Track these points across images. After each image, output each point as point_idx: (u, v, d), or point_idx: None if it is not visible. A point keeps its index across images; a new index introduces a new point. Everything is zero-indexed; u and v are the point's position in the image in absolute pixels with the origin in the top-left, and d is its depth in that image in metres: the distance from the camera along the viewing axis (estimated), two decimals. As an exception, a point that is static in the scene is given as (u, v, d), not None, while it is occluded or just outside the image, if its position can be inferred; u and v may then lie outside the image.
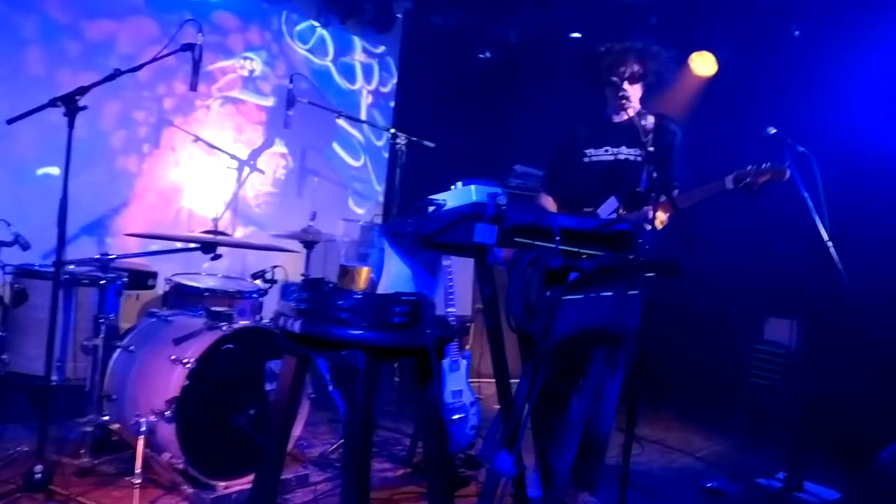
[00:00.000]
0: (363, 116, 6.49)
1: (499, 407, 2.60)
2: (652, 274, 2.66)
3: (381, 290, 2.43)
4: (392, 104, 6.82)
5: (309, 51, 6.13)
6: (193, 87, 3.45)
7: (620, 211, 3.27)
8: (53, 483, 3.05)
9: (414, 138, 4.59)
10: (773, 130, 3.69)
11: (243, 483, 3.26)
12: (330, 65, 6.29)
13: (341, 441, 3.83)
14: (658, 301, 3.07)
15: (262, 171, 5.81)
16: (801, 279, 4.98)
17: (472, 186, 2.40)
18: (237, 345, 3.40)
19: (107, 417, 3.39)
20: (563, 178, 3.70)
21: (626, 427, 2.82)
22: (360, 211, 6.55)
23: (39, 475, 3.00)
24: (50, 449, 3.18)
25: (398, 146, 4.55)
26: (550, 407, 3.33)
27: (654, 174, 3.00)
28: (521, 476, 2.64)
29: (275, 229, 5.14)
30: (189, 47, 3.37)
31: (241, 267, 5.49)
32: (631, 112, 3.34)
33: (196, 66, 3.39)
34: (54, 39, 4.68)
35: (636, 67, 3.47)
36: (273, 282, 4.01)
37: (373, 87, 6.65)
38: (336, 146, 6.38)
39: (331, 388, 3.98)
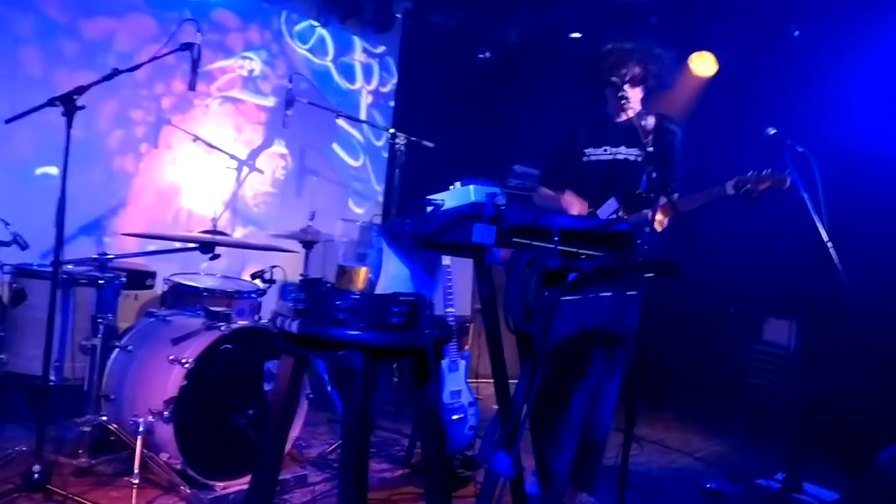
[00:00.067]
0: (363, 116, 6.48)
1: (497, 407, 2.59)
2: (651, 274, 2.66)
3: (379, 290, 2.43)
4: (392, 104, 6.82)
5: (309, 50, 6.12)
6: (192, 87, 3.44)
7: (620, 213, 3.27)
8: (51, 483, 3.04)
9: (413, 138, 4.59)
10: (773, 131, 3.69)
11: (241, 483, 3.26)
12: (330, 64, 6.28)
13: (340, 441, 3.82)
14: (657, 301, 3.06)
15: (261, 171, 5.80)
16: (800, 280, 4.98)
17: (471, 186, 2.40)
18: (236, 345, 3.40)
19: (105, 417, 3.38)
20: (561, 175, 3.69)
21: (625, 427, 2.82)
22: (359, 211, 6.55)
23: (37, 475, 3.00)
24: (48, 449, 3.17)
25: (397, 146, 4.54)
26: (550, 407, 3.33)
27: (654, 175, 3.00)
28: (520, 477, 2.64)
29: (274, 229, 5.14)
30: (188, 47, 3.36)
31: (240, 267, 5.49)
32: (631, 113, 3.34)
33: (195, 65, 3.38)
34: (51, 37, 4.66)
35: (637, 70, 3.47)
36: (272, 282, 4.00)
37: (372, 87, 6.64)
38: (335, 146, 6.38)
39: (329, 388, 3.97)
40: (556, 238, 2.33)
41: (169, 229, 5.18)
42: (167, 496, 3.22)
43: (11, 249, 3.53)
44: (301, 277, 3.77)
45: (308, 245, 4.41)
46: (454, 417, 3.83)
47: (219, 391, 3.33)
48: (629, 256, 2.56)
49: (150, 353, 3.41)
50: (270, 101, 5.82)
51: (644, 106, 3.57)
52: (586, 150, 3.60)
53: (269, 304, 4.26)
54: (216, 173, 5.52)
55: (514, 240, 2.37)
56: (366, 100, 6.59)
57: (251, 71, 5.73)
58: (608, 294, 2.77)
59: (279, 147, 5.94)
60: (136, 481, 3.08)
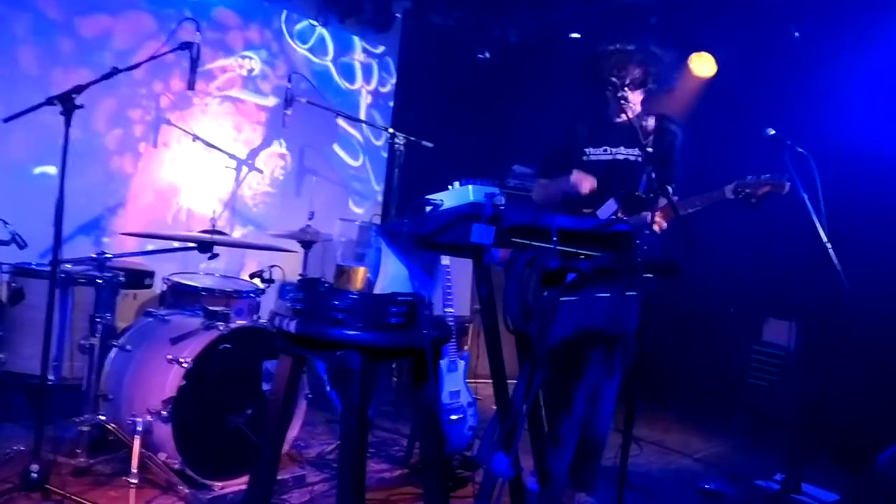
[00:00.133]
0: (362, 116, 6.47)
1: (496, 408, 2.59)
2: (650, 275, 2.65)
3: (377, 290, 2.43)
4: (391, 104, 6.81)
5: (308, 50, 6.12)
6: (191, 86, 3.44)
7: (619, 214, 3.26)
8: (50, 482, 3.03)
9: (412, 138, 4.59)
10: (772, 131, 3.69)
11: (240, 483, 3.25)
12: (330, 64, 6.27)
13: (338, 442, 3.82)
14: (657, 302, 3.06)
15: (260, 171, 5.80)
16: (800, 280, 4.99)
17: (470, 186, 2.39)
18: (234, 344, 3.40)
19: (103, 417, 3.38)
20: (559, 172, 3.68)
21: (624, 428, 2.81)
22: (358, 211, 6.54)
23: (36, 474, 2.99)
24: (46, 448, 3.16)
25: (397, 146, 4.54)
26: (558, 409, 3.34)
27: (653, 175, 3.00)
28: (519, 477, 2.63)
29: (273, 229, 5.13)
30: (187, 46, 3.36)
31: (239, 267, 5.49)
32: (631, 113, 3.34)
33: (194, 64, 3.38)
34: (47, 35, 4.64)
35: (637, 73, 3.46)
36: (271, 281, 4.00)
37: (372, 86, 6.63)
38: (335, 146, 6.37)
39: (328, 388, 3.98)
40: (555, 238, 2.32)
41: (168, 229, 5.17)
42: (165, 496, 3.21)
43: (10, 248, 3.53)
44: (300, 277, 3.77)
45: (307, 245, 4.41)
46: (453, 418, 3.82)
47: (217, 391, 3.33)
48: (628, 257, 2.55)
49: (149, 352, 3.40)
50: (270, 101, 5.82)
51: (644, 106, 3.57)
52: (586, 150, 3.60)
53: (268, 303, 4.25)
54: (215, 173, 5.51)
55: (513, 240, 2.37)
56: (365, 100, 6.59)
57: (251, 70, 5.72)
58: (607, 294, 2.77)
59: (278, 147, 5.94)
60: (135, 481, 3.08)
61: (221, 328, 3.38)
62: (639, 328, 3.13)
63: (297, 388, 2.85)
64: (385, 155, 6.63)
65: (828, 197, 3.64)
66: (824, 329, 4.92)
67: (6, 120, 3.06)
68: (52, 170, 4.62)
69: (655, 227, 3.10)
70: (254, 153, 5.79)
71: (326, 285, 2.36)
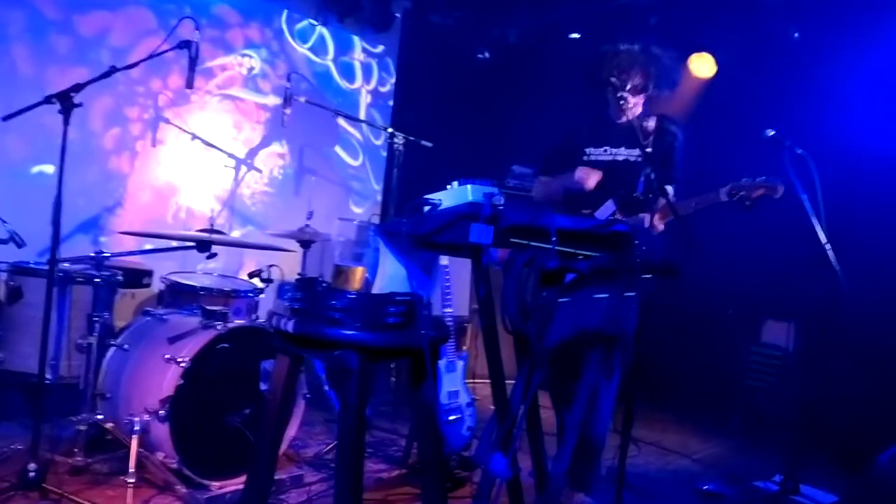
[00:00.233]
0: (362, 116, 6.47)
1: (494, 408, 2.59)
2: (649, 276, 2.65)
3: (376, 290, 2.43)
4: (390, 104, 6.81)
5: (309, 50, 6.11)
6: (189, 85, 3.44)
7: (617, 215, 3.26)
8: (47, 481, 3.04)
9: (412, 138, 4.59)
10: (772, 132, 3.68)
11: (237, 483, 3.24)
12: (330, 64, 6.27)
13: (336, 441, 3.81)
14: (656, 303, 3.06)
15: (259, 170, 5.80)
16: (798, 282, 4.98)
17: (469, 186, 2.39)
18: (232, 344, 3.39)
19: (101, 416, 3.38)
20: (559, 170, 3.69)
21: (622, 428, 2.81)
22: (358, 210, 6.54)
23: (33, 473, 2.99)
24: (44, 447, 3.16)
25: (396, 146, 4.54)
26: (561, 409, 3.34)
27: (652, 175, 2.99)
28: (517, 478, 2.63)
29: (272, 228, 5.12)
30: (186, 44, 3.36)
31: (238, 266, 5.48)
32: (631, 115, 3.33)
33: (193, 63, 3.38)
34: (43, 32, 4.62)
35: (638, 79, 3.46)
36: (269, 281, 3.99)
37: (371, 86, 6.63)
38: (335, 145, 6.37)
39: (326, 387, 3.97)
40: (554, 238, 2.32)
41: (167, 228, 5.17)
42: (163, 495, 3.21)
43: (8, 247, 3.52)
44: (298, 277, 3.76)
45: (306, 244, 4.41)
46: (451, 418, 3.82)
47: (215, 390, 3.32)
48: (627, 257, 2.55)
49: (147, 351, 3.40)
50: (270, 100, 5.81)
51: (645, 107, 3.57)
52: (587, 150, 3.60)
53: (267, 303, 4.24)
54: (214, 172, 5.51)
55: (512, 240, 2.36)
56: (365, 99, 6.58)
57: (251, 69, 5.72)
58: (605, 295, 2.77)
59: (278, 146, 5.93)
60: (132, 480, 3.07)
61: (219, 328, 3.37)
62: (637, 329, 3.13)
63: (295, 387, 2.86)
64: (384, 154, 6.63)
65: (827, 198, 3.63)
66: (823, 330, 4.91)
67: (5, 118, 3.06)
68: (49, 169, 4.61)
69: (652, 229, 3.10)
70: (253, 152, 5.79)
71: (324, 285, 2.35)
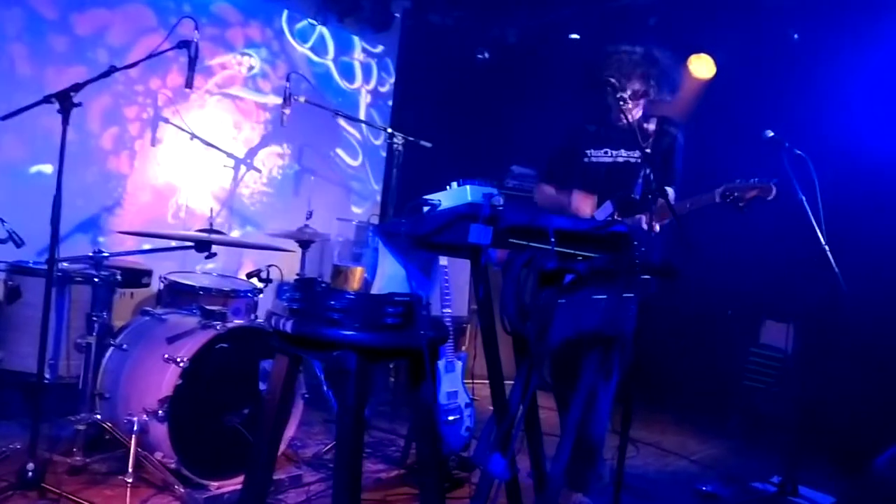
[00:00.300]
0: (362, 116, 6.47)
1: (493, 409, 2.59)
2: (648, 277, 2.65)
3: (375, 290, 2.43)
4: (390, 104, 6.81)
5: (309, 49, 6.11)
6: (189, 85, 3.44)
7: (615, 216, 3.26)
8: (45, 481, 3.04)
9: (411, 138, 4.59)
10: (771, 133, 3.69)
11: (236, 483, 3.24)
12: (330, 63, 6.27)
13: (335, 441, 3.81)
14: (655, 304, 3.06)
15: (258, 170, 5.79)
16: (797, 283, 4.99)
17: (468, 187, 2.39)
18: (231, 344, 3.39)
19: (99, 416, 3.37)
20: (563, 174, 3.70)
21: (621, 429, 2.81)
22: (357, 210, 6.54)
23: (32, 473, 3.00)
24: (42, 447, 3.17)
25: (395, 146, 4.54)
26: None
27: (651, 176, 3.00)
28: (515, 480, 2.63)
29: (271, 228, 5.12)
30: (185, 44, 3.36)
31: (237, 266, 5.48)
32: (631, 117, 3.34)
33: (192, 63, 3.38)
34: (42, 29, 4.61)
35: (638, 85, 3.47)
36: (268, 281, 3.99)
37: (371, 86, 6.63)
38: (335, 145, 6.37)
39: (325, 388, 3.97)
40: (553, 239, 2.32)
41: (167, 227, 5.17)
42: (161, 495, 3.21)
43: (7, 247, 3.52)
44: (297, 277, 3.76)
45: (305, 244, 4.41)
46: (450, 418, 3.82)
47: (214, 390, 3.32)
48: (626, 258, 2.55)
49: (145, 351, 3.40)
50: (270, 100, 5.81)
51: (645, 110, 3.58)
52: (588, 152, 3.61)
53: (266, 303, 4.25)
54: (214, 171, 5.51)
55: (511, 240, 2.37)
56: (365, 99, 6.58)
57: (251, 68, 5.71)
58: (604, 296, 2.77)
59: (277, 146, 5.93)
60: (131, 480, 3.08)
61: (218, 327, 3.37)
62: (636, 329, 3.14)
63: (294, 387, 2.85)
64: (384, 155, 6.62)
65: (826, 199, 3.64)
66: (822, 331, 4.92)
67: (3, 118, 3.05)
68: (48, 168, 4.61)
69: (645, 226, 3.10)
70: (252, 152, 5.78)
71: (323, 285, 2.35)
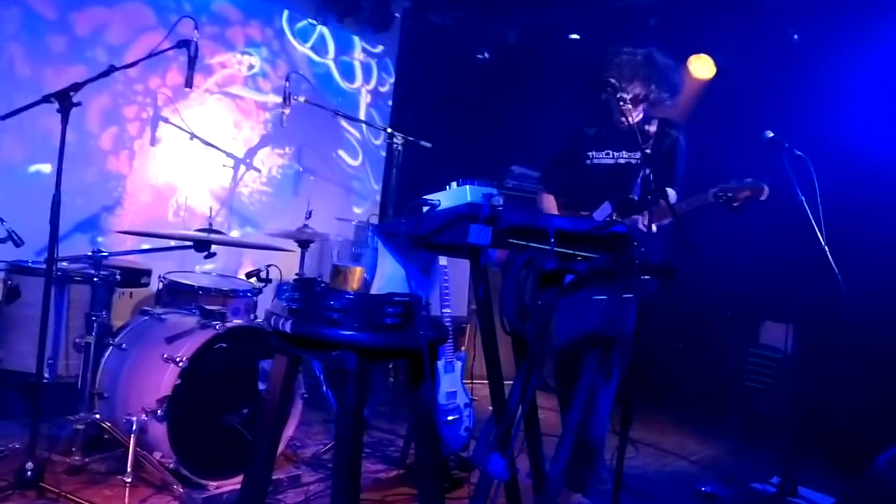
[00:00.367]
0: (362, 116, 6.47)
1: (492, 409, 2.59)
2: (647, 277, 2.65)
3: (374, 290, 2.42)
4: (389, 104, 6.81)
5: (309, 49, 6.11)
6: (189, 84, 3.44)
7: (613, 217, 3.27)
8: (44, 480, 3.04)
9: (411, 138, 4.58)
10: (771, 134, 3.69)
11: (235, 483, 3.24)
12: (331, 63, 6.27)
13: (334, 441, 3.81)
14: (655, 304, 3.06)
15: (258, 170, 5.79)
16: (797, 283, 4.99)
17: (467, 187, 2.39)
18: (230, 344, 3.39)
19: (98, 415, 3.37)
20: (563, 176, 3.71)
21: (620, 429, 2.81)
22: (357, 210, 6.54)
23: (30, 472, 3.00)
24: (41, 446, 3.17)
25: (395, 146, 4.54)
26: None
27: (650, 178, 3.00)
28: (514, 480, 2.63)
29: (270, 228, 5.12)
30: (185, 44, 3.36)
31: (236, 265, 5.48)
32: (632, 119, 3.34)
33: (192, 63, 3.38)
34: (40, 28, 4.60)
35: (639, 89, 3.47)
36: (267, 281, 3.99)
37: (371, 86, 6.63)
38: (335, 145, 6.36)
39: (324, 388, 3.96)
40: (553, 240, 2.32)
41: (168, 227, 5.17)
42: (160, 495, 3.21)
43: (6, 246, 3.52)
44: (296, 277, 3.76)
45: (304, 244, 4.40)
46: (449, 418, 3.82)
47: (213, 390, 3.32)
48: (625, 259, 2.55)
49: (144, 351, 3.39)
50: (270, 99, 5.81)
51: (646, 112, 3.58)
52: (589, 154, 3.62)
53: (265, 303, 4.24)
54: (213, 171, 5.50)
55: (510, 241, 2.36)
56: (365, 99, 6.58)
57: (251, 67, 5.71)
58: (604, 297, 2.77)
59: (277, 145, 5.93)
60: (129, 480, 3.07)
61: (217, 327, 3.37)
62: (636, 330, 3.14)
63: (293, 387, 2.85)
64: (383, 155, 6.62)
65: (826, 199, 3.64)
66: (821, 332, 4.92)
67: (3, 118, 3.05)
68: (46, 168, 4.60)
69: (643, 228, 3.11)
70: (252, 151, 5.78)
71: (323, 285, 2.35)
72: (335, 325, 2.16)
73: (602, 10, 5.99)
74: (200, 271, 4.62)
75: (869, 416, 4.60)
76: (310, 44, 6.10)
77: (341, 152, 6.41)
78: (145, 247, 4.58)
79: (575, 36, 6.48)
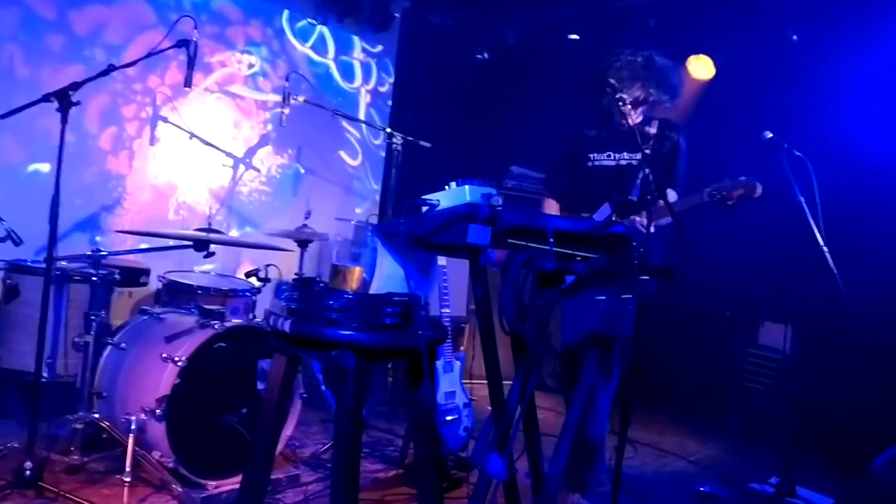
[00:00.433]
0: (361, 116, 6.46)
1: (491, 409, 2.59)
2: (646, 277, 2.65)
3: (373, 290, 2.42)
4: (389, 104, 6.81)
5: (310, 49, 6.10)
6: (188, 84, 3.44)
7: (613, 218, 3.27)
8: (43, 480, 3.04)
9: (410, 138, 4.58)
10: (770, 135, 3.70)
11: (234, 482, 3.24)
12: (331, 63, 6.26)
13: (333, 441, 3.81)
14: (654, 304, 3.06)
15: (257, 169, 5.79)
16: (796, 284, 4.99)
17: (466, 187, 2.39)
18: (229, 343, 3.39)
19: (97, 415, 3.37)
20: (566, 179, 3.73)
21: (619, 430, 2.81)
22: (356, 210, 6.53)
23: (29, 472, 2.99)
24: (40, 445, 3.17)
25: (394, 146, 4.54)
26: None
27: (650, 177, 3.00)
28: (513, 479, 2.63)
29: (270, 228, 5.12)
30: (184, 44, 3.36)
31: (235, 265, 5.48)
32: (631, 120, 3.34)
33: (191, 62, 3.38)
34: (39, 27, 4.58)
35: (638, 92, 3.48)
36: (267, 280, 3.99)
37: (371, 86, 6.62)
38: (334, 145, 6.36)
39: (323, 387, 3.97)
40: (552, 240, 2.32)
41: (167, 226, 5.16)
42: (159, 494, 3.21)
43: (5, 245, 3.51)
44: (296, 276, 3.76)
45: (303, 244, 4.40)
46: (448, 418, 3.82)
47: (212, 390, 3.32)
48: (624, 259, 2.55)
49: (143, 350, 3.39)
50: (270, 99, 5.81)
51: (647, 113, 3.59)
52: (591, 155, 3.63)
53: (264, 302, 4.25)
54: (212, 170, 5.50)
55: (510, 241, 2.37)
56: (364, 99, 6.58)
57: (251, 66, 5.70)
58: (603, 298, 2.77)
59: (276, 145, 5.92)
60: (128, 479, 3.08)
61: (217, 327, 3.37)
62: (635, 330, 3.14)
63: (292, 387, 2.85)
64: (383, 154, 6.62)
65: (825, 200, 3.64)
66: (820, 332, 4.92)
67: (2, 117, 3.05)
68: (45, 167, 4.60)
69: (641, 228, 3.12)
70: (251, 151, 5.77)
71: (322, 285, 2.35)
72: (334, 324, 2.16)
73: (602, 10, 6.00)
74: (199, 271, 4.62)
75: (868, 417, 4.60)
76: (310, 43, 6.10)
77: (341, 152, 6.41)
78: (144, 246, 4.58)
79: (574, 36, 6.48)
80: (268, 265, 3.94)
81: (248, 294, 4.05)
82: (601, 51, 3.64)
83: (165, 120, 5.20)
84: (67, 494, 2.99)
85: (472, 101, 6.68)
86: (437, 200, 2.37)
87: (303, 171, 6.03)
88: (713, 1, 5.53)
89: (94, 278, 3.51)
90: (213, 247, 3.63)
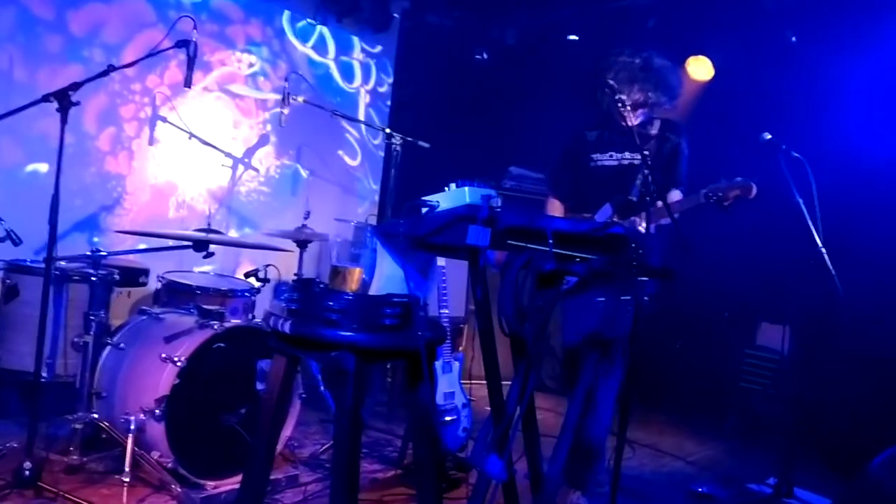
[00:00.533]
0: (361, 116, 6.46)
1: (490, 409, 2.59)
2: (645, 278, 2.66)
3: (373, 291, 2.43)
4: (388, 104, 6.81)
5: (310, 49, 6.10)
6: (188, 84, 3.44)
7: (614, 219, 3.28)
8: (42, 480, 3.04)
9: (409, 139, 4.59)
10: (768, 136, 3.70)
11: (233, 483, 3.25)
12: (331, 63, 6.26)
13: (332, 442, 3.81)
14: (652, 305, 3.07)
15: (256, 169, 5.79)
16: (794, 285, 4.99)
17: (466, 188, 2.39)
18: (228, 343, 3.40)
19: (96, 415, 3.38)
20: (569, 179, 3.74)
21: (618, 430, 2.82)
22: (356, 211, 6.53)
23: (28, 472, 3.00)
24: (39, 445, 3.17)
25: (393, 146, 4.54)
26: None
27: (650, 178, 3.01)
28: (512, 481, 2.63)
29: (269, 228, 5.12)
30: (184, 44, 3.36)
31: (234, 265, 5.48)
32: (631, 121, 3.35)
33: (191, 62, 3.38)
34: (36, 26, 4.57)
35: (637, 95, 3.49)
36: (266, 281, 3.99)
37: (370, 86, 6.62)
38: (333, 145, 6.36)
39: (322, 388, 3.97)
40: (551, 241, 2.32)
41: (167, 226, 5.16)
42: (158, 494, 3.21)
43: (5, 245, 3.51)
44: (295, 277, 3.76)
45: (303, 244, 4.41)
46: (447, 419, 3.82)
47: (211, 390, 3.32)
48: (624, 260, 2.55)
49: (143, 350, 3.40)
50: (269, 99, 5.80)
51: (647, 114, 3.60)
52: (593, 156, 3.65)
53: (263, 303, 4.24)
54: (212, 171, 5.50)
55: (509, 242, 2.37)
56: (364, 99, 6.58)
57: (251, 65, 5.70)
58: (602, 298, 2.78)
59: (276, 145, 5.92)
60: (127, 479, 3.08)
61: (216, 327, 3.37)
62: (634, 331, 3.15)
63: (291, 387, 2.85)
64: (382, 155, 6.62)
65: (823, 201, 3.65)
66: (818, 333, 4.93)
67: (1, 118, 3.05)
68: (43, 167, 4.59)
69: (641, 228, 3.12)
70: (251, 151, 5.77)
71: (321, 286, 2.36)
72: (334, 325, 2.16)
73: (601, 10, 6.00)
74: (199, 271, 4.62)
75: (865, 418, 4.61)
76: (310, 44, 6.10)
77: (340, 153, 6.41)
78: (143, 246, 4.58)
79: (574, 37, 6.48)
80: (267, 265, 3.94)
81: (247, 294, 4.05)
82: (601, 51, 3.65)
83: (164, 120, 5.19)
84: (66, 494, 3.00)
85: (472, 101, 6.68)
86: (437, 202, 2.38)
87: (305, 174, 6.03)
88: (713, 1, 5.53)
89: (93, 278, 3.51)
90: (212, 247, 3.63)
